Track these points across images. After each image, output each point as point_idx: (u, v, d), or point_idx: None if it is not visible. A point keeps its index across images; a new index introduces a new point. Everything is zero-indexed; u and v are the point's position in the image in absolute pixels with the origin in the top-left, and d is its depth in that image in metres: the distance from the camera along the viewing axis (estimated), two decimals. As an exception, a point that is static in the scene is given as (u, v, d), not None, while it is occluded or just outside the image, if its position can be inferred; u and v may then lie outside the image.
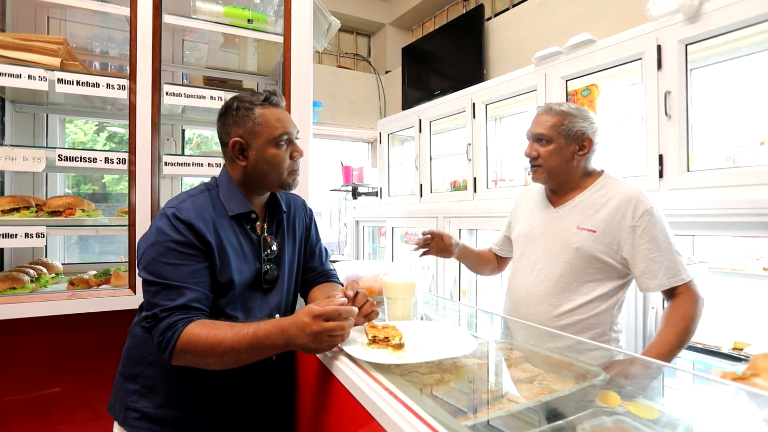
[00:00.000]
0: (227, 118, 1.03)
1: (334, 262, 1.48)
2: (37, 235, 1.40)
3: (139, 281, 1.49)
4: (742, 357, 1.49)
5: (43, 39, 1.48)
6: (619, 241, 1.19)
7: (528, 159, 1.32)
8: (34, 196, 1.62)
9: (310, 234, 1.23)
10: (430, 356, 0.82)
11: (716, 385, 0.81)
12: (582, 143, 1.26)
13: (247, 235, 1.04)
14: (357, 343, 0.88)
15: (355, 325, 0.96)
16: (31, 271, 1.56)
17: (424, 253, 1.52)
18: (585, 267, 1.22)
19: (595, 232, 1.20)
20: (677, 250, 1.17)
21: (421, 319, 1.27)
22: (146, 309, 0.90)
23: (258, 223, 1.08)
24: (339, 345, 0.86)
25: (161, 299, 0.88)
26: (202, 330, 0.85)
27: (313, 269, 1.23)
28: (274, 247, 1.08)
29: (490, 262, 1.59)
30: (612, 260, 1.20)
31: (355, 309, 0.87)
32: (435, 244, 1.49)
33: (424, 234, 1.49)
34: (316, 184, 4.09)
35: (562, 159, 1.26)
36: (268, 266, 1.06)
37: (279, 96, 1.05)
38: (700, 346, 1.58)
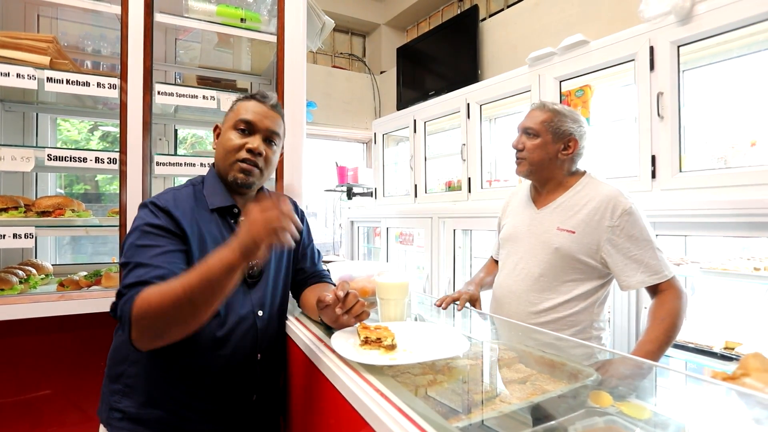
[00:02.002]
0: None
1: (328, 262, 1.48)
2: (26, 236, 1.38)
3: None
4: (734, 356, 1.50)
5: (32, 37, 1.46)
6: (597, 241, 1.20)
7: (515, 151, 1.35)
8: (24, 196, 1.60)
9: (302, 235, 1.22)
10: (422, 357, 0.82)
11: (707, 385, 0.82)
12: (567, 143, 1.28)
13: (231, 229, 1.04)
14: (349, 344, 0.88)
15: (347, 325, 0.96)
16: (20, 272, 1.54)
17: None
18: (565, 267, 1.23)
19: (574, 232, 1.22)
20: (658, 247, 1.18)
21: (415, 319, 1.27)
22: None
23: (241, 218, 1.06)
24: (330, 346, 0.86)
25: (130, 278, 0.83)
26: (154, 289, 0.79)
27: (304, 270, 1.22)
28: None
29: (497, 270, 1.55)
30: (591, 260, 1.22)
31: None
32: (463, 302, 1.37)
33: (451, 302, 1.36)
34: (311, 185, 4.08)
35: (546, 155, 1.28)
36: (253, 263, 1.05)
37: (267, 96, 1.08)
38: (692, 345, 1.59)
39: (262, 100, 1.06)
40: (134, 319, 0.78)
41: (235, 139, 1.02)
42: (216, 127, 1.10)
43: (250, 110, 1.04)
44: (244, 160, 1.02)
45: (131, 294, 0.80)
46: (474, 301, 1.37)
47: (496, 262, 1.57)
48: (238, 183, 1.03)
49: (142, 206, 0.96)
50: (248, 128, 1.03)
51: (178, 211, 0.94)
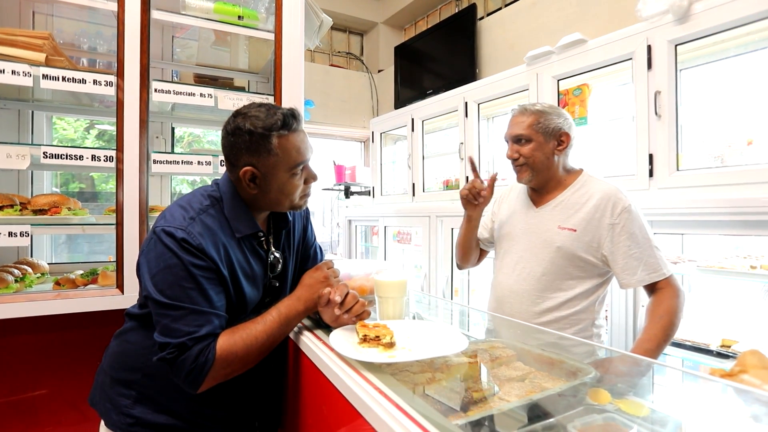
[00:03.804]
0: (237, 140, 0.92)
1: (326, 261, 1.47)
2: (22, 234, 1.37)
3: (128, 281, 1.47)
4: (730, 354, 1.51)
5: (28, 34, 1.45)
6: (599, 239, 1.21)
7: (511, 161, 1.33)
8: (19, 194, 1.59)
9: (307, 234, 1.20)
10: (421, 355, 0.82)
11: (705, 382, 0.82)
12: (560, 138, 1.28)
13: (255, 253, 1.01)
14: (347, 342, 0.87)
15: (347, 324, 0.96)
16: (16, 271, 1.53)
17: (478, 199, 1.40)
18: (566, 265, 1.24)
19: (575, 231, 1.22)
20: (656, 245, 1.19)
21: (413, 317, 1.27)
22: (166, 334, 0.84)
23: (264, 239, 1.04)
24: (329, 344, 0.86)
25: (185, 325, 0.83)
26: (232, 339, 0.86)
27: None
28: (280, 259, 1.06)
29: (477, 251, 1.58)
30: (593, 258, 1.22)
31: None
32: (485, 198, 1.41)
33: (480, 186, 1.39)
34: (308, 183, 4.06)
35: (544, 156, 1.27)
36: (274, 281, 1.06)
37: (297, 119, 0.95)
38: (689, 343, 1.60)
39: (299, 128, 0.96)
40: (215, 368, 0.84)
41: (299, 182, 0.98)
42: (246, 172, 0.93)
43: (299, 148, 0.95)
44: (306, 194, 1.03)
45: (204, 346, 0.84)
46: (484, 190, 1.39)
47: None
48: (301, 209, 1.05)
49: (169, 236, 0.86)
50: (304, 167, 0.99)
51: (212, 250, 0.89)
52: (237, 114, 0.94)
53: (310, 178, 1.01)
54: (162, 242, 0.86)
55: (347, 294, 0.95)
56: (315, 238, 1.24)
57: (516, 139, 1.30)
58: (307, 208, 1.22)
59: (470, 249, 1.54)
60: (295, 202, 1.00)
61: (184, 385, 0.85)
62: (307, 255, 1.19)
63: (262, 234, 1.02)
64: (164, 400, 0.96)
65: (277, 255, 1.06)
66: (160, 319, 0.85)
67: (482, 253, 1.61)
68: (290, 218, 1.11)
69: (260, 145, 0.91)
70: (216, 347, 0.84)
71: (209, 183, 1.05)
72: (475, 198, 1.39)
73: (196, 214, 0.91)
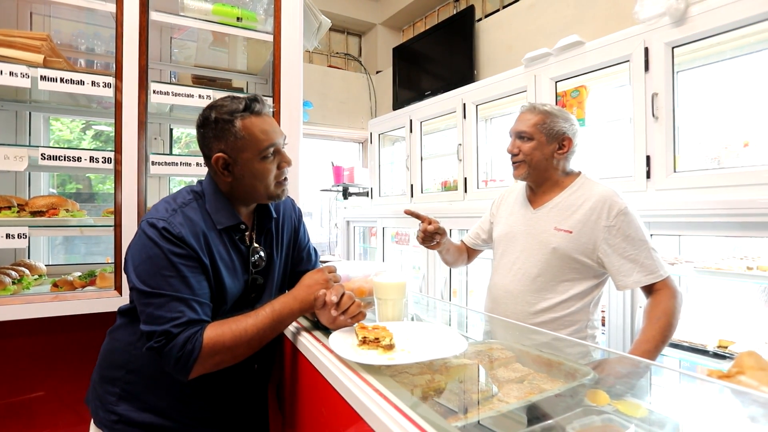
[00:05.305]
0: (207, 131, 0.96)
1: (325, 262, 1.47)
2: (19, 236, 1.36)
3: (126, 282, 1.46)
4: (727, 355, 1.51)
5: (26, 35, 1.45)
6: (594, 241, 1.21)
7: (510, 156, 1.35)
8: (17, 196, 1.58)
9: (299, 235, 1.20)
10: (420, 357, 0.82)
11: (702, 383, 0.82)
12: (562, 142, 1.29)
13: (237, 247, 1.01)
14: (347, 344, 0.87)
15: (343, 326, 0.96)
16: (13, 273, 1.53)
17: (433, 246, 1.48)
18: (562, 267, 1.24)
19: (571, 232, 1.23)
20: (653, 247, 1.19)
21: (412, 319, 1.27)
22: (150, 322, 0.85)
23: (247, 233, 1.04)
24: (328, 346, 0.86)
25: (168, 312, 0.84)
26: (220, 329, 0.86)
27: (304, 273, 1.21)
28: (263, 255, 1.06)
29: (464, 254, 1.62)
30: (588, 260, 1.23)
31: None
32: (437, 237, 1.46)
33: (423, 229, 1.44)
34: (306, 185, 4.07)
35: (542, 156, 1.29)
36: (257, 277, 1.05)
37: (260, 102, 0.97)
38: (686, 344, 1.61)
39: (263, 111, 0.97)
40: (203, 356, 0.84)
41: (269, 166, 0.98)
42: (218, 158, 0.95)
43: (266, 130, 0.96)
44: (282, 180, 1.02)
45: (194, 335, 0.84)
46: (437, 233, 1.44)
47: (467, 248, 1.64)
48: (279, 198, 1.04)
49: (151, 227, 0.89)
50: (274, 151, 0.99)
51: (192, 239, 0.91)
52: (205, 108, 0.98)
53: (283, 162, 1.01)
54: (145, 234, 0.89)
55: (343, 295, 0.96)
56: (308, 240, 1.24)
57: (519, 135, 1.32)
58: (299, 209, 1.23)
59: (454, 262, 1.61)
60: (270, 189, 1.01)
61: (173, 373, 0.85)
62: (300, 257, 1.20)
63: (244, 227, 1.02)
64: (149, 398, 0.96)
65: (261, 254, 1.06)
66: (144, 309, 0.86)
67: (473, 253, 1.63)
68: (275, 215, 1.11)
69: (226, 129, 0.94)
70: (204, 335, 0.85)
71: None
72: (431, 239, 1.44)
73: (179, 207, 0.94)
